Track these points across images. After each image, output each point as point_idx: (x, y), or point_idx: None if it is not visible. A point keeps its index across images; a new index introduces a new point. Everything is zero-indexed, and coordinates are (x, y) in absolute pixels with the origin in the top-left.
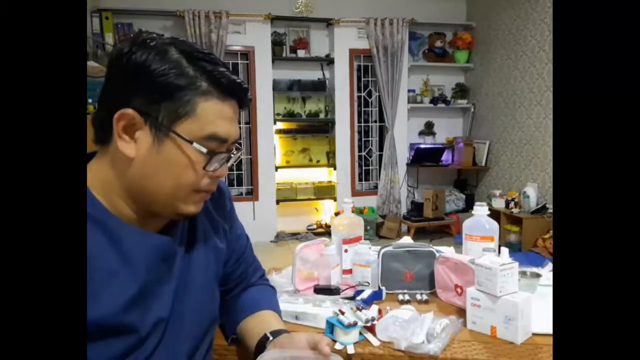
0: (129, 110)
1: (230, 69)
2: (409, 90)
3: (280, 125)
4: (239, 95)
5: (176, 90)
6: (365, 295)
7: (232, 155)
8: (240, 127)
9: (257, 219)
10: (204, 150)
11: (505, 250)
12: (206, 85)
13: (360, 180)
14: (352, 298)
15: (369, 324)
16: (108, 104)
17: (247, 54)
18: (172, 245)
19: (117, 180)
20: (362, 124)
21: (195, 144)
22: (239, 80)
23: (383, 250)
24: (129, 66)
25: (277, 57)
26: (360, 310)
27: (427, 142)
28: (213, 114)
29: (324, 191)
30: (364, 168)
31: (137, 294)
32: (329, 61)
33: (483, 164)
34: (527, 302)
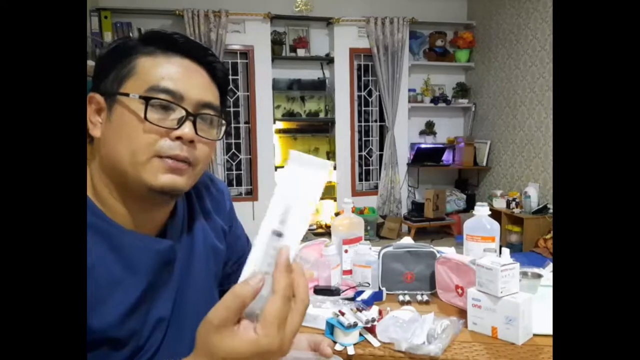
0: (92, 93)
1: (229, 68)
2: (410, 90)
3: (280, 124)
4: (185, 49)
5: (120, 58)
6: (365, 296)
7: (204, 119)
8: (239, 126)
9: (256, 219)
10: (137, 96)
11: (506, 251)
12: (149, 47)
13: (360, 180)
14: (353, 299)
15: (369, 325)
16: None
17: (246, 53)
18: (172, 248)
19: (101, 173)
20: (363, 124)
21: (132, 95)
22: (183, 35)
23: (383, 251)
24: (98, 59)
25: (276, 56)
26: (361, 311)
27: (427, 142)
28: (155, 69)
29: (324, 191)
30: (364, 168)
31: (139, 299)
32: (329, 60)
33: (484, 163)
34: (528, 303)
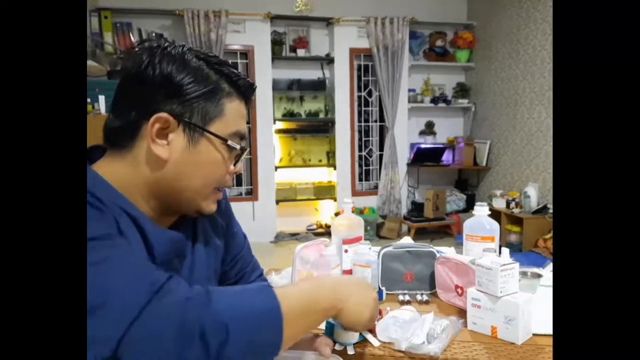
0: (164, 114)
1: None
2: (410, 90)
3: (280, 124)
4: (251, 95)
5: (205, 93)
6: None
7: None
8: None
9: (256, 219)
10: (237, 146)
11: (506, 251)
12: (227, 86)
13: (360, 180)
14: None
15: None
16: (133, 110)
17: (246, 54)
18: (184, 241)
19: (139, 181)
20: (363, 124)
21: (229, 142)
22: (251, 82)
23: (383, 251)
24: (155, 75)
25: (276, 56)
26: None
27: (427, 142)
28: (236, 113)
29: (324, 191)
30: (364, 168)
31: None
32: (329, 60)
33: (484, 164)
34: (528, 303)
